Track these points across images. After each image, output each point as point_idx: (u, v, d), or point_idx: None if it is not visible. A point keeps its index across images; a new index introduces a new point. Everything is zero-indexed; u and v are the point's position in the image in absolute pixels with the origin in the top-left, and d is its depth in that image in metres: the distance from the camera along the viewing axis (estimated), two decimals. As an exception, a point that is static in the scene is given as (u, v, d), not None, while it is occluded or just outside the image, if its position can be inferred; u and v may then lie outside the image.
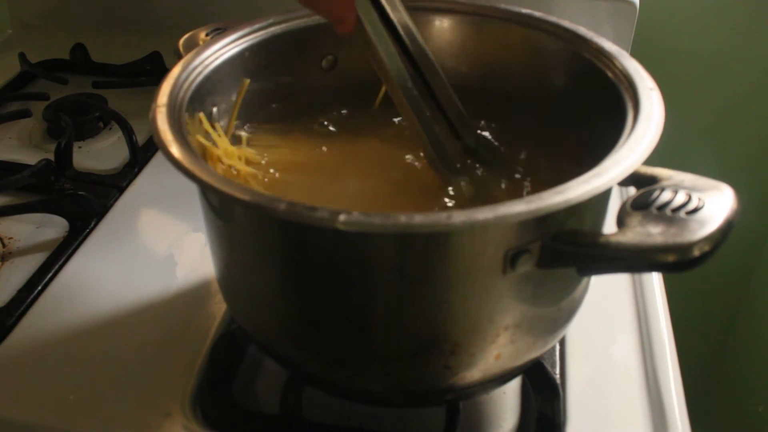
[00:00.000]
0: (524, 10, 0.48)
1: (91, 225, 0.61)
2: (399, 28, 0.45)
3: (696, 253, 0.31)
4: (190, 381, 0.47)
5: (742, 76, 0.92)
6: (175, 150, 0.35)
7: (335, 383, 0.42)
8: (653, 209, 0.33)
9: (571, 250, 0.34)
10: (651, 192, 0.35)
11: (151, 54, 0.85)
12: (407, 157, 0.47)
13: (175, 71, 0.42)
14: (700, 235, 0.31)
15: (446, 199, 0.43)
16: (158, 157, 0.69)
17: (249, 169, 0.44)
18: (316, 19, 0.49)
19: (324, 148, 0.48)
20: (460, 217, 0.30)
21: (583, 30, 0.46)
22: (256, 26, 0.48)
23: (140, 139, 0.70)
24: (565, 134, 0.47)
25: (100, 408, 0.46)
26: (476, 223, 0.31)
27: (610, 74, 0.42)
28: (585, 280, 0.41)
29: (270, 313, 0.41)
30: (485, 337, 0.37)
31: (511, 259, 0.34)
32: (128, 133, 0.69)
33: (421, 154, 0.47)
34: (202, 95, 0.43)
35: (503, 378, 0.42)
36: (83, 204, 0.61)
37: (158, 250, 0.59)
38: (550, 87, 0.48)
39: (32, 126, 0.75)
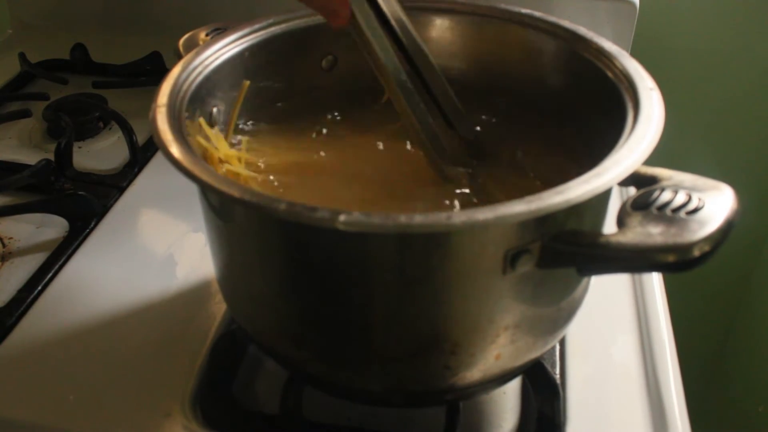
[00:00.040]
0: (524, 10, 0.48)
1: (91, 225, 0.61)
2: (392, 21, 0.45)
3: (696, 253, 0.31)
4: (190, 381, 0.47)
5: (742, 76, 0.92)
6: (175, 150, 0.35)
7: (335, 383, 0.42)
8: (653, 209, 0.33)
9: (571, 251, 0.34)
10: (651, 192, 0.35)
11: (151, 54, 0.85)
12: (408, 157, 0.47)
13: (175, 71, 0.42)
14: (700, 236, 0.31)
15: (446, 199, 0.43)
16: (158, 157, 0.69)
17: (248, 173, 0.44)
18: (316, 19, 0.49)
19: (324, 149, 0.48)
20: (460, 217, 0.30)
21: (583, 30, 0.46)
22: (256, 26, 0.48)
23: (140, 139, 0.70)
24: (565, 134, 0.47)
25: (100, 408, 0.46)
26: (476, 224, 0.31)
27: (610, 74, 0.42)
28: (585, 280, 0.41)
29: (270, 313, 0.41)
30: (485, 337, 0.37)
31: (511, 259, 0.34)
32: (128, 133, 0.69)
33: (411, 146, 0.46)
34: (202, 95, 0.43)
35: (503, 378, 0.42)
36: (83, 204, 0.61)
37: (158, 250, 0.59)
38: (550, 87, 0.48)
39: (32, 126, 0.75)
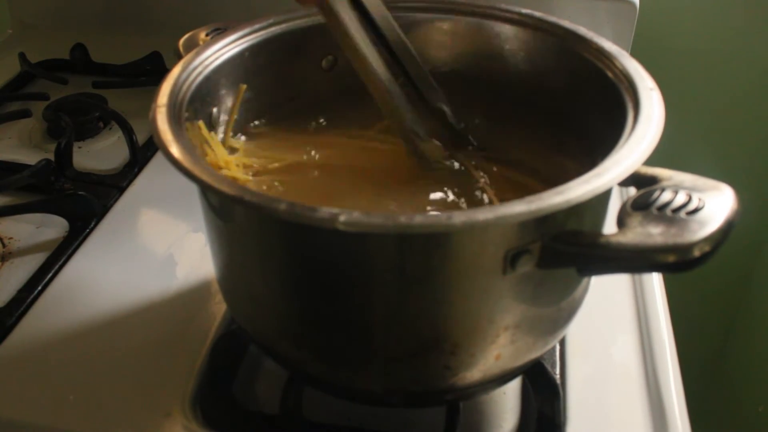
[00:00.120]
0: (524, 10, 0.48)
1: (91, 225, 0.61)
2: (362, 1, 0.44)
3: (696, 253, 0.31)
4: (190, 381, 0.47)
5: (742, 77, 0.92)
6: (175, 150, 0.35)
7: (335, 383, 0.42)
8: (653, 209, 0.33)
9: (572, 251, 0.34)
10: (651, 192, 0.35)
11: (151, 54, 0.85)
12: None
13: (175, 71, 0.42)
14: (700, 236, 0.31)
15: (438, 193, 0.43)
16: (158, 157, 0.69)
17: (247, 177, 0.44)
18: (316, 19, 0.49)
19: (324, 149, 0.48)
20: (460, 217, 0.30)
21: (583, 30, 0.46)
22: (256, 26, 0.48)
23: (140, 139, 0.70)
24: (565, 134, 0.47)
25: (100, 408, 0.46)
26: (476, 224, 0.31)
27: (610, 74, 0.42)
28: (585, 280, 0.41)
29: (270, 313, 0.41)
30: (485, 337, 0.37)
31: (512, 260, 0.34)
32: (128, 133, 0.69)
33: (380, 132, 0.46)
34: (202, 95, 0.43)
35: (503, 378, 0.42)
36: (83, 204, 0.61)
37: (158, 250, 0.59)
38: (550, 87, 0.48)
39: (32, 126, 0.75)
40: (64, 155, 0.67)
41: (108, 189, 0.65)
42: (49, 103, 0.76)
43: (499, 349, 0.38)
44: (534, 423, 0.45)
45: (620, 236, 0.33)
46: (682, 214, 0.33)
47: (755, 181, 0.97)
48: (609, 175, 0.33)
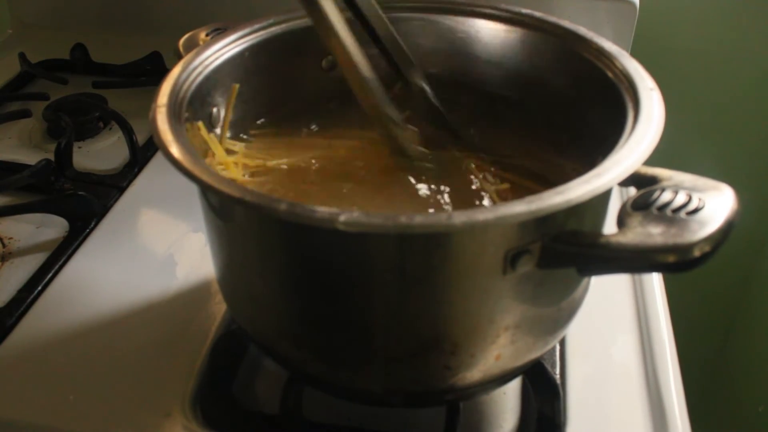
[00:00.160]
0: (524, 10, 0.48)
1: (91, 225, 0.61)
2: None
3: (696, 253, 0.31)
4: (191, 381, 0.47)
5: (742, 76, 0.92)
6: (175, 150, 0.35)
7: (335, 383, 0.42)
8: (653, 210, 0.33)
9: (572, 251, 0.34)
10: (651, 192, 0.35)
11: (151, 54, 0.85)
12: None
13: (175, 71, 0.42)
14: (700, 236, 0.31)
15: (438, 194, 0.43)
16: (158, 157, 0.69)
17: (246, 179, 0.44)
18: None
19: (324, 149, 0.48)
20: (460, 217, 0.30)
21: (583, 30, 0.46)
22: (256, 26, 0.48)
23: (140, 139, 0.70)
24: (565, 134, 0.47)
25: (100, 408, 0.46)
26: (476, 224, 0.31)
27: (610, 74, 0.42)
28: (585, 280, 0.41)
29: (270, 314, 0.41)
30: (485, 337, 0.37)
31: (512, 260, 0.34)
32: (128, 133, 0.69)
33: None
34: (202, 95, 0.43)
35: (503, 378, 0.42)
36: (83, 204, 0.61)
37: (158, 250, 0.59)
38: (550, 87, 0.48)
39: (32, 126, 0.75)
40: (64, 155, 0.67)
41: (108, 189, 0.65)
42: (49, 103, 0.76)
43: (500, 349, 0.38)
44: (534, 423, 0.45)
45: (620, 236, 0.33)
46: (682, 214, 0.33)
47: (755, 181, 0.97)
48: (609, 175, 0.33)
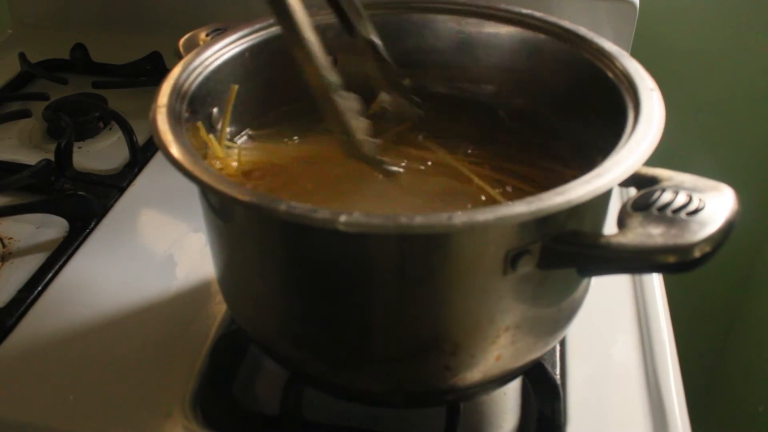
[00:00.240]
0: (524, 10, 0.48)
1: (91, 225, 0.61)
2: None
3: (697, 254, 0.31)
4: (191, 381, 0.47)
5: (742, 76, 0.92)
6: (175, 150, 0.35)
7: (335, 384, 0.42)
8: (654, 210, 0.33)
9: (572, 251, 0.34)
10: (652, 193, 0.35)
11: (151, 54, 0.85)
12: (410, 157, 0.47)
13: (176, 71, 0.42)
14: (700, 236, 0.31)
15: (438, 195, 0.43)
16: (158, 158, 0.69)
17: (245, 180, 0.44)
18: (316, 19, 0.49)
19: (323, 150, 0.48)
20: (460, 217, 0.30)
21: (583, 30, 0.46)
22: (257, 26, 0.48)
23: (140, 139, 0.70)
24: (565, 134, 0.47)
25: (100, 408, 0.46)
26: (477, 224, 0.31)
27: (610, 75, 0.42)
28: (585, 280, 0.41)
29: (270, 314, 0.41)
30: (486, 337, 0.37)
31: (512, 260, 0.34)
32: (128, 133, 0.69)
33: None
34: (202, 96, 0.43)
35: (504, 379, 0.42)
36: (83, 204, 0.61)
37: (158, 250, 0.59)
38: (550, 87, 0.48)
39: (32, 126, 0.75)
40: (64, 155, 0.67)
41: (108, 189, 0.65)
42: (49, 103, 0.76)
43: (500, 350, 0.38)
44: (534, 423, 0.45)
45: (621, 237, 0.33)
46: (683, 214, 0.33)
47: (755, 181, 0.97)
48: (609, 175, 0.33)
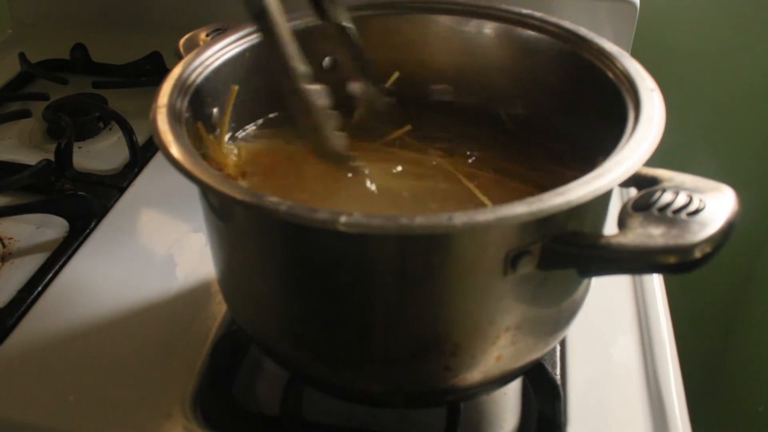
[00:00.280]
0: (524, 10, 0.48)
1: (92, 225, 0.61)
2: None
3: (697, 254, 0.31)
4: (191, 382, 0.47)
5: (742, 76, 0.92)
6: (175, 151, 0.35)
7: (335, 384, 0.42)
8: (654, 210, 0.33)
9: (572, 252, 0.34)
10: (652, 193, 0.35)
11: (151, 54, 0.85)
12: (410, 158, 0.47)
13: (176, 72, 0.42)
14: (701, 237, 0.31)
15: (438, 197, 0.43)
16: (158, 158, 0.69)
17: (245, 180, 0.44)
18: (317, 19, 0.49)
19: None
20: (460, 218, 0.30)
21: (583, 30, 0.46)
22: (257, 27, 0.48)
23: (140, 139, 0.70)
24: (565, 135, 0.47)
25: (100, 408, 0.46)
26: (477, 225, 0.31)
27: (610, 75, 0.42)
28: (586, 281, 0.41)
29: (270, 314, 0.41)
30: (486, 338, 0.37)
31: (512, 261, 0.34)
32: (128, 133, 0.69)
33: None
34: (202, 96, 0.43)
35: (504, 379, 0.42)
36: (83, 204, 0.61)
37: (158, 250, 0.59)
38: (550, 88, 0.48)
39: (32, 126, 0.75)
40: (64, 155, 0.67)
41: (108, 189, 0.65)
42: (49, 103, 0.76)
43: (500, 350, 0.38)
44: (534, 424, 0.45)
45: (621, 237, 0.33)
46: (683, 215, 0.33)
47: (755, 182, 0.97)
48: (610, 176, 0.33)
